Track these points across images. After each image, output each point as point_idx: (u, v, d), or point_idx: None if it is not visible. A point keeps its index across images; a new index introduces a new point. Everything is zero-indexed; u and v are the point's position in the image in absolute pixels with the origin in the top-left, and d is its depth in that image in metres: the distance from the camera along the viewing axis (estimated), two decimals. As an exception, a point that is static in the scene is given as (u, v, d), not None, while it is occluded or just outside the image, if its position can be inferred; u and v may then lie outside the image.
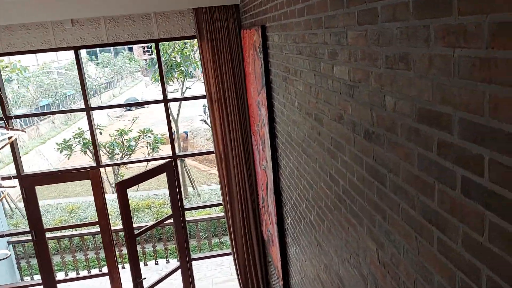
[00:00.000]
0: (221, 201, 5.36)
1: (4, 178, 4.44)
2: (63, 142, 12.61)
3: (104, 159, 13.32)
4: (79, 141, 12.31)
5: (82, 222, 8.67)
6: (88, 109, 5.01)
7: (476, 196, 0.93)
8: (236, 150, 5.03)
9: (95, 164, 5.13)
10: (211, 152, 5.31)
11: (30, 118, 25.78)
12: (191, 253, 7.86)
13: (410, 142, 1.21)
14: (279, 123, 3.29)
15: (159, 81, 5.07)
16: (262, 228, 5.11)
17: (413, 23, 1.13)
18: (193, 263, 6.01)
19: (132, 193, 12.70)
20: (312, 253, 2.72)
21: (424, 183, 1.16)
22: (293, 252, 3.44)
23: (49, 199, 12.07)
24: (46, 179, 5.18)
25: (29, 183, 4.95)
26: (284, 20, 2.64)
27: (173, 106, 12.54)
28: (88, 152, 12.51)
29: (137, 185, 14.44)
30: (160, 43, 4.99)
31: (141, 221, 10.37)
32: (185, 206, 5.51)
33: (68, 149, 12.68)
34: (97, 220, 5.19)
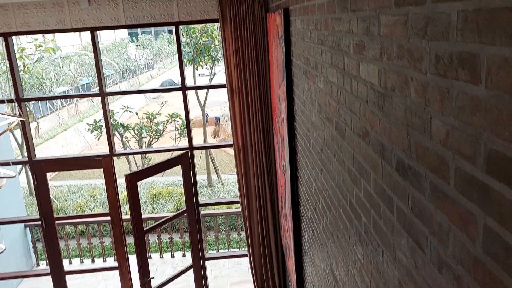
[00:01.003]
0: (238, 198, 4.96)
1: (13, 163, 4.23)
2: (93, 123, 12.59)
3: (132, 142, 13.25)
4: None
5: (93, 213, 8.54)
6: (103, 95, 4.70)
7: None
8: (256, 145, 4.59)
9: (110, 152, 4.84)
10: (230, 145, 4.90)
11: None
12: (208, 248, 7.58)
13: (471, 203, 0.73)
14: (298, 123, 2.82)
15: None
16: (281, 232, 4.68)
17: (488, 3, 0.64)
18: (209, 261, 5.69)
19: (158, 178, 12.56)
20: (327, 286, 2.27)
21: (491, 275, 0.68)
22: (309, 272, 3.00)
23: (76, 179, 12.15)
24: (57, 165, 4.95)
25: (40, 169, 4.72)
26: (307, 2, 2.15)
27: (201, 91, 12.21)
28: (117, 133, 12.43)
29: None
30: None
31: (162, 209, 10.19)
32: (201, 201, 5.15)
33: (98, 130, 12.66)
34: (108, 211, 4.93)
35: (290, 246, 3.60)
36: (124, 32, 44.53)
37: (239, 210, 6.82)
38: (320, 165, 2.17)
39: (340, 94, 1.63)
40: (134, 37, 42.12)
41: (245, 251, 5.93)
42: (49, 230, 4.89)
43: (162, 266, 6.60)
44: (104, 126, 12.71)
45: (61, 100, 25.68)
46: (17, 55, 10.46)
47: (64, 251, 7.51)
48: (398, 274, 1.14)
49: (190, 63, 10.30)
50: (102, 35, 38.77)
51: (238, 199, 5.06)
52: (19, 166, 10.54)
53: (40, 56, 10.95)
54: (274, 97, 4.00)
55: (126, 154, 5.25)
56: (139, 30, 51.30)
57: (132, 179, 4.37)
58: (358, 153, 1.43)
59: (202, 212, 5.70)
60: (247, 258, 6.27)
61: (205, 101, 12.23)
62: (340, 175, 1.73)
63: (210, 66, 10.63)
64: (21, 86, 4.64)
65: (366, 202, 1.38)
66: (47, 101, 23.68)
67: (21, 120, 4.59)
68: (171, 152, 5.72)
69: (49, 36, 12.24)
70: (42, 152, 15.88)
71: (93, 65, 24.52)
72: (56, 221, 4.93)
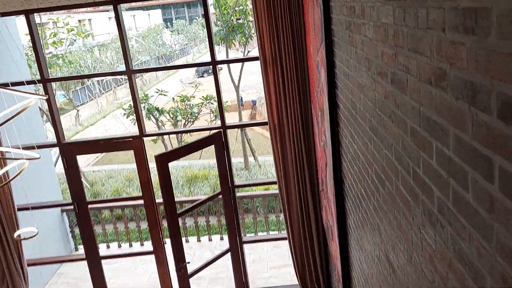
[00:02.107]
0: (276, 179, 4.66)
1: (38, 147, 4.12)
2: (129, 108, 12.60)
3: (168, 126, 13.20)
4: (144, 107, 12.20)
5: (125, 196, 8.47)
6: (129, 72, 4.49)
7: None
8: (293, 121, 4.25)
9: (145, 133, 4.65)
10: (265, 123, 4.59)
11: (108, 83, 26.80)
12: (246, 231, 7.36)
13: None
14: (341, 89, 2.45)
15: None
16: (322, 213, 4.36)
17: None
18: (246, 244, 5.47)
19: (194, 161, 12.49)
20: (380, 273, 1.93)
21: None
22: (356, 257, 2.66)
23: (115, 164, 12.28)
24: (88, 147, 4.82)
25: (70, 152, 4.61)
26: None
27: (234, 72, 11.91)
28: (152, 118, 12.41)
29: (201, 153, 14.25)
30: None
31: (198, 191, 10.08)
32: (237, 182, 4.90)
33: (134, 115, 12.67)
34: (141, 194, 4.77)
35: (333, 229, 3.27)
36: (158, 18, 44.88)
37: (277, 191, 6.54)
38: (370, 133, 1.82)
39: (398, 36, 1.27)
40: (168, 23, 42.34)
41: (284, 234, 5.65)
42: (82, 214, 4.79)
43: (199, 249, 6.46)
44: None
45: (100, 87, 26.23)
46: (50, 41, 10.58)
47: (102, 236, 7.55)
48: (500, 267, 0.79)
49: (222, 42, 9.99)
50: (137, 21, 39.23)
51: (275, 180, 4.77)
52: (56, 154, 10.70)
53: (72, 40, 10.98)
54: (312, 66, 3.63)
55: (156, 135, 5.05)
56: (173, 15, 51.57)
57: (163, 160, 4.16)
58: (428, 106, 1.08)
59: (238, 194, 5.46)
60: (286, 241, 6.01)
61: (239, 80, 11.92)
62: (399, 140, 1.38)
63: (243, 44, 10.28)
64: (46, 66, 4.50)
65: (442, 171, 1.03)
66: (85, 89, 24.25)
67: (48, 102, 4.48)
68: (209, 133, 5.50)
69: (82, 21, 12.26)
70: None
71: (132, 52, 24.70)
72: (89, 205, 4.83)
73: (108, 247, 6.61)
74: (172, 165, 12.00)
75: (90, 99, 24.24)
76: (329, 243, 3.94)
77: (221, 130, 4.64)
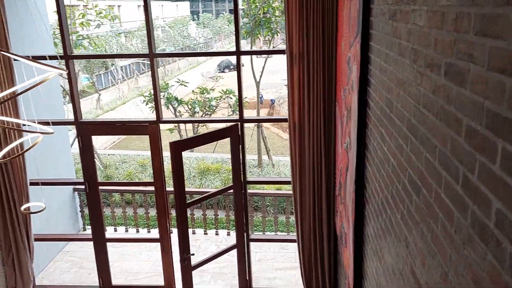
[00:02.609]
0: (290, 179, 4.50)
1: (53, 123, 4.04)
2: (148, 95, 12.57)
3: (185, 117, 13.13)
4: (163, 95, 12.14)
5: (137, 181, 8.36)
6: (152, 55, 4.39)
7: None
8: (315, 120, 4.08)
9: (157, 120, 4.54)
10: (285, 120, 4.42)
11: (130, 71, 26.97)
12: (253, 229, 7.22)
13: None
14: (374, 86, 2.28)
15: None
16: (336, 219, 4.18)
17: None
18: (253, 242, 5.33)
19: (208, 155, 12.39)
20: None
21: None
22: (372, 268, 2.49)
23: (130, 149, 12.26)
24: (104, 129, 4.74)
25: (86, 132, 4.53)
26: None
27: (257, 70, 11.78)
28: (170, 107, 12.35)
29: (214, 147, 14.14)
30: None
31: (209, 184, 9.97)
32: (249, 178, 4.76)
33: (153, 103, 12.64)
34: (152, 180, 4.66)
35: (348, 236, 3.10)
36: (186, 10, 45.07)
37: (289, 192, 6.36)
38: (407, 134, 1.65)
39: (461, 19, 1.10)
40: (195, 15, 42.46)
41: (293, 235, 5.49)
42: (92, 195, 4.71)
43: (205, 242, 6.34)
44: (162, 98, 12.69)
45: (123, 74, 26.42)
46: (78, 21, 10.61)
47: (110, 218, 7.49)
48: None
49: (248, 35, 9.84)
50: (165, 11, 39.47)
51: (288, 179, 4.60)
52: (74, 135, 10.72)
53: (99, 23, 10.98)
54: (341, 64, 3.45)
55: (173, 122, 4.94)
56: (200, 8, 51.80)
57: (177, 147, 4.04)
58: (497, 101, 0.91)
59: (249, 191, 5.31)
60: (294, 244, 5.85)
61: (260, 77, 11.77)
62: (447, 141, 1.21)
63: (269, 39, 10.10)
64: (69, 42, 4.42)
65: (508, 177, 0.86)
66: (109, 74, 24.44)
67: (68, 79, 4.40)
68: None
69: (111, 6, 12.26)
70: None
71: (157, 41, 24.83)
72: (100, 187, 4.75)
73: (115, 230, 6.54)
74: (185, 155, 11.93)
75: (113, 84, 24.44)
76: (341, 250, 3.76)
77: (238, 123, 4.51)
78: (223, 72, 29.30)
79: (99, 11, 10.99)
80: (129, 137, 18.92)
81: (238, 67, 4.35)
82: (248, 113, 18.54)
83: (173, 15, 39.54)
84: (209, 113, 12.32)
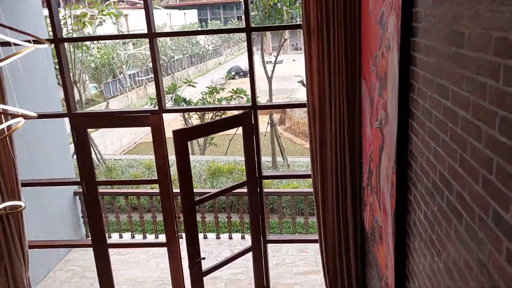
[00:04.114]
0: (309, 172, 4.01)
1: (42, 116, 3.62)
2: (155, 97, 12.20)
3: (194, 119, 12.71)
4: (171, 97, 11.75)
5: (139, 179, 7.77)
6: (151, 35, 3.96)
7: None
8: (337, 104, 3.59)
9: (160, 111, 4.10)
10: (303, 105, 3.94)
11: (139, 78, 26.73)
12: (269, 232, 6.71)
13: None
14: (422, 35, 1.79)
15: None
16: (364, 214, 3.67)
17: None
18: (270, 245, 4.83)
19: (219, 157, 11.93)
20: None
21: None
22: (425, 265, 1.98)
23: (139, 154, 11.87)
24: (100, 121, 4.30)
25: (80, 124, 4.09)
26: None
27: (268, 70, 11.42)
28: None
29: (227, 149, 13.66)
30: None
31: (222, 186, 9.47)
32: (264, 174, 4.27)
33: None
34: (156, 178, 4.21)
35: (386, 228, 2.59)
36: (194, 17, 45.04)
37: (307, 190, 5.84)
38: (497, 63, 1.16)
39: None
40: (203, 23, 42.38)
41: (313, 235, 4.98)
42: (90, 196, 4.25)
43: (218, 247, 5.85)
44: (166, 101, 12.27)
45: (131, 81, 26.22)
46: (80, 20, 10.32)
47: (115, 225, 7.05)
48: None
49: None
50: (172, 19, 39.47)
51: (308, 173, 4.11)
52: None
53: (101, 21, 10.66)
54: (370, 29, 2.97)
55: (178, 111, 4.49)
56: (209, 16, 51.74)
57: (181, 136, 3.57)
58: None
59: (265, 190, 4.83)
60: (314, 246, 5.30)
61: (272, 71, 11.36)
62: None
63: (279, 33, 9.62)
64: (60, 27, 4.02)
65: None
66: (117, 82, 24.23)
67: (59, 65, 3.97)
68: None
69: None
70: (111, 130, 16.08)
71: (165, 48, 24.47)
72: (100, 187, 4.31)
73: (121, 236, 6.10)
74: (195, 159, 11.47)
75: (121, 92, 24.26)
76: (373, 249, 3.24)
77: (251, 110, 4.04)
78: (233, 78, 29.02)
79: (101, 8, 10.69)
80: (142, 144, 18.55)
81: (248, 46, 3.89)
82: (261, 118, 18.15)
83: (181, 23, 39.48)
84: (219, 114, 11.88)
